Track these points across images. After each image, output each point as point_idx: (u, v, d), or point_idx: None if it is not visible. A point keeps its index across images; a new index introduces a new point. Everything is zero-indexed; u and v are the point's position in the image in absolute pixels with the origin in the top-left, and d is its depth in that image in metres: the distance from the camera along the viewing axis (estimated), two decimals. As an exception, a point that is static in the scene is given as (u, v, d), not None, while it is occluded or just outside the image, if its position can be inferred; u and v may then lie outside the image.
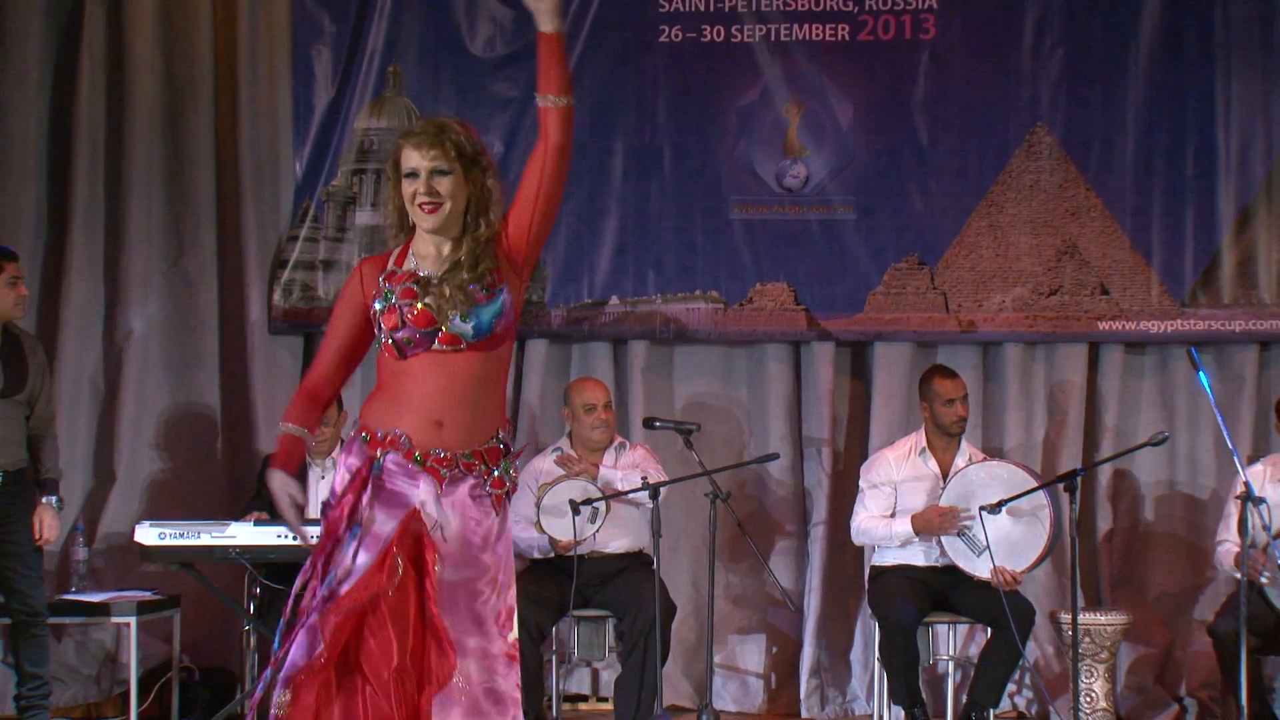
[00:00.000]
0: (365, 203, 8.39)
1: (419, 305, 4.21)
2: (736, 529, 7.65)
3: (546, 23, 4.23)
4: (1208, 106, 8.17)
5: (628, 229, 8.33)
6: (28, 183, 8.26)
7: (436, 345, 4.22)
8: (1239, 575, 7.13)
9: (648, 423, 7.79)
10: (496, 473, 4.32)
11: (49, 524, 7.06)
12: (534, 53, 8.17)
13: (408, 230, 4.36)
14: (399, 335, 4.21)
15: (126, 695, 7.52)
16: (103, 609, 7.47)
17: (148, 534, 7.00)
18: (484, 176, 4.27)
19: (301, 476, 7.47)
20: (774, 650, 8.39)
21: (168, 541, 7.01)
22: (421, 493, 4.25)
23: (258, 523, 7.15)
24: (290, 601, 4.24)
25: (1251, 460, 7.55)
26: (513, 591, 4.38)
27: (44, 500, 7.11)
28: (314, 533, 6.87)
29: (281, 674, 4.15)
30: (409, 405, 4.27)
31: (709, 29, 8.30)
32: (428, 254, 4.30)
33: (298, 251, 8.35)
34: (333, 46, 8.36)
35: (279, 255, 8.38)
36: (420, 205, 4.23)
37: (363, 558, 4.21)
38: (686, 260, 8.33)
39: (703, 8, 8.29)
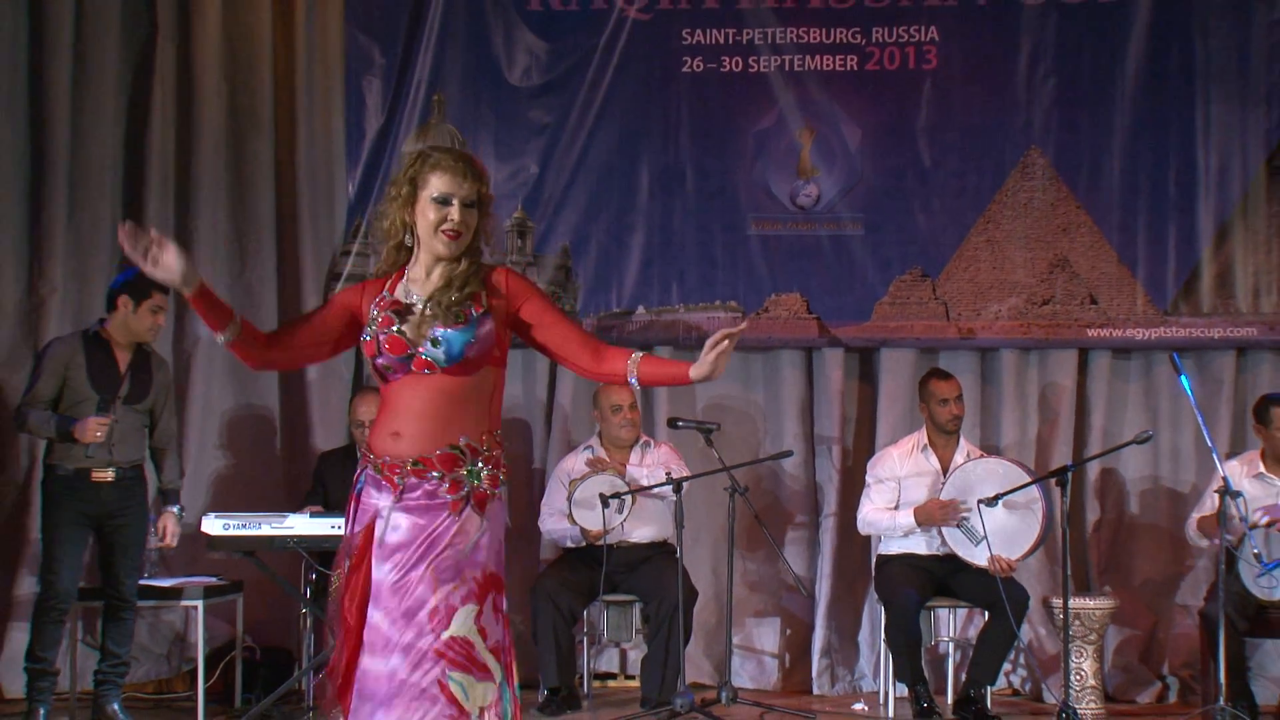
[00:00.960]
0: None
1: (393, 332, 4.08)
2: (753, 520, 7.71)
3: (695, 373, 4.06)
4: (1188, 130, 8.14)
5: (653, 244, 8.32)
6: (105, 203, 8.26)
7: (413, 369, 4.10)
8: (1204, 543, 7.32)
9: (671, 422, 7.78)
10: (453, 477, 4.13)
11: (172, 530, 7.16)
12: (565, 82, 8.29)
13: (404, 252, 4.22)
14: (379, 362, 4.12)
15: (194, 672, 7.54)
16: (173, 593, 7.47)
17: (213, 525, 7.01)
18: (486, 216, 4.18)
19: (352, 471, 7.11)
20: (788, 632, 8.38)
21: (231, 532, 7.01)
22: (382, 501, 4.13)
23: (314, 515, 7.19)
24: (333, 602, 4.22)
25: (1229, 457, 7.54)
26: (462, 592, 4.11)
27: (168, 508, 7.19)
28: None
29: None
30: (382, 423, 4.18)
31: (728, 60, 8.30)
32: (419, 278, 4.18)
33: (350, 265, 8.34)
34: (382, 77, 8.37)
35: (333, 268, 8.39)
36: (445, 232, 4.09)
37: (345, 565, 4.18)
38: (707, 272, 8.31)
39: (722, 40, 8.29)
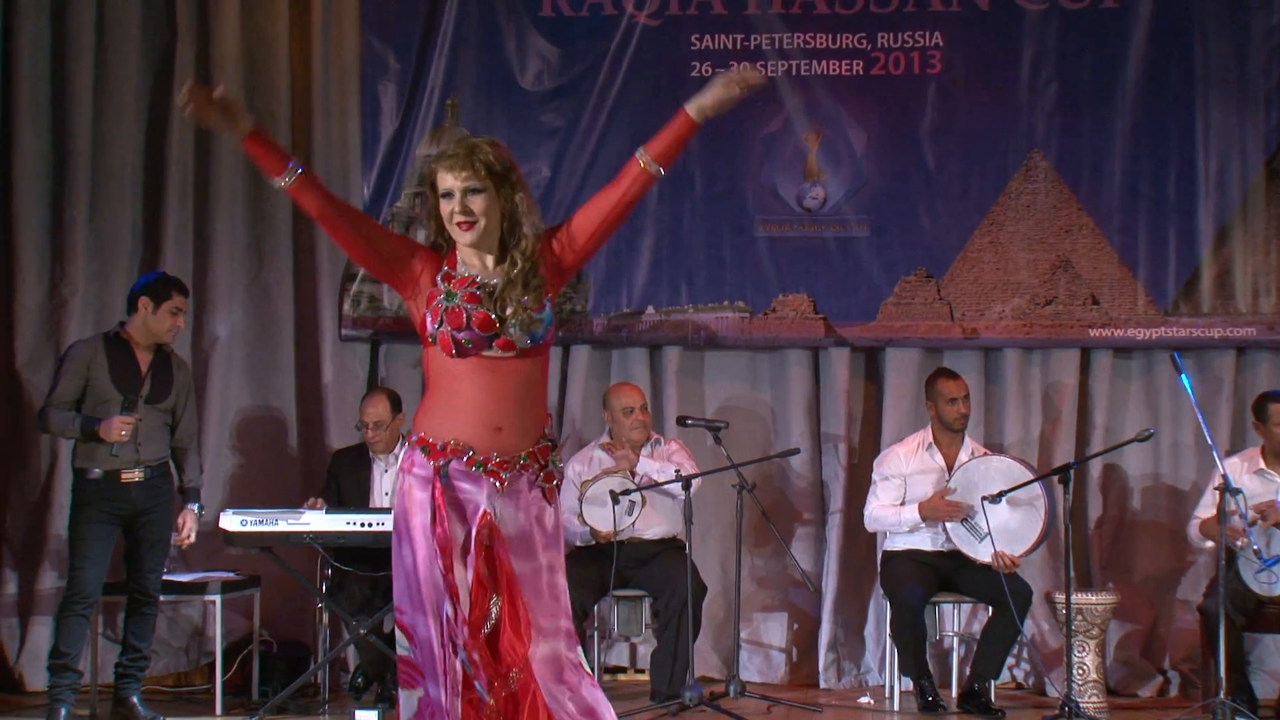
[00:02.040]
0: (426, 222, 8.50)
1: (481, 309, 4.09)
2: (761, 517, 7.73)
3: (697, 114, 4.16)
4: (1188, 134, 8.13)
5: (663, 245, 8.32)
6: (126, 206, 8.30)
7: (491, 350, 4.12)
8: (1208, 544, 7.27)
9: (681, 421, 7.85)
10: (548, 468, 4.24)
11: (190, 526, 7.15)
12: (576, 87, 8.22)
13: (447, 243, 4.23)
14: (460, 335, 4.08)
15: (212, 665, 7.57)
16: (191, 588, 7.53)
17: (231, 521, 7.06)
18: (514, 192, 4.17)
19: (365, 469, 7.70)
20: (795, 627, 8.39)
21: (248, 528, 7.06)
22: (482, 494, 4.16)
23: (329, 511, 7.22)
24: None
25: (1229, 454, 7.53)
26: (562, 577, 4.30)
27: (188, 506, 7.20)
28: (376, 520, 6.98)
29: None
30: (465, 413, 4.16)
31: (736, 65, 8.23)
32: (473, 264, 4.19)
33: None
34: (397, 82, 8.36)
35: (348, 270, 8.39)
36: (457, 224, 4.13)
37: (432, 565, 4.15)
38: (716, 273, 8.31)
39: (730, 46, 8.30)
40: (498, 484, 4.16)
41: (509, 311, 4.11)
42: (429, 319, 4.15)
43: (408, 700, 4.26)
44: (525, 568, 4.18)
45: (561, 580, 4.26)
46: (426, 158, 8.38)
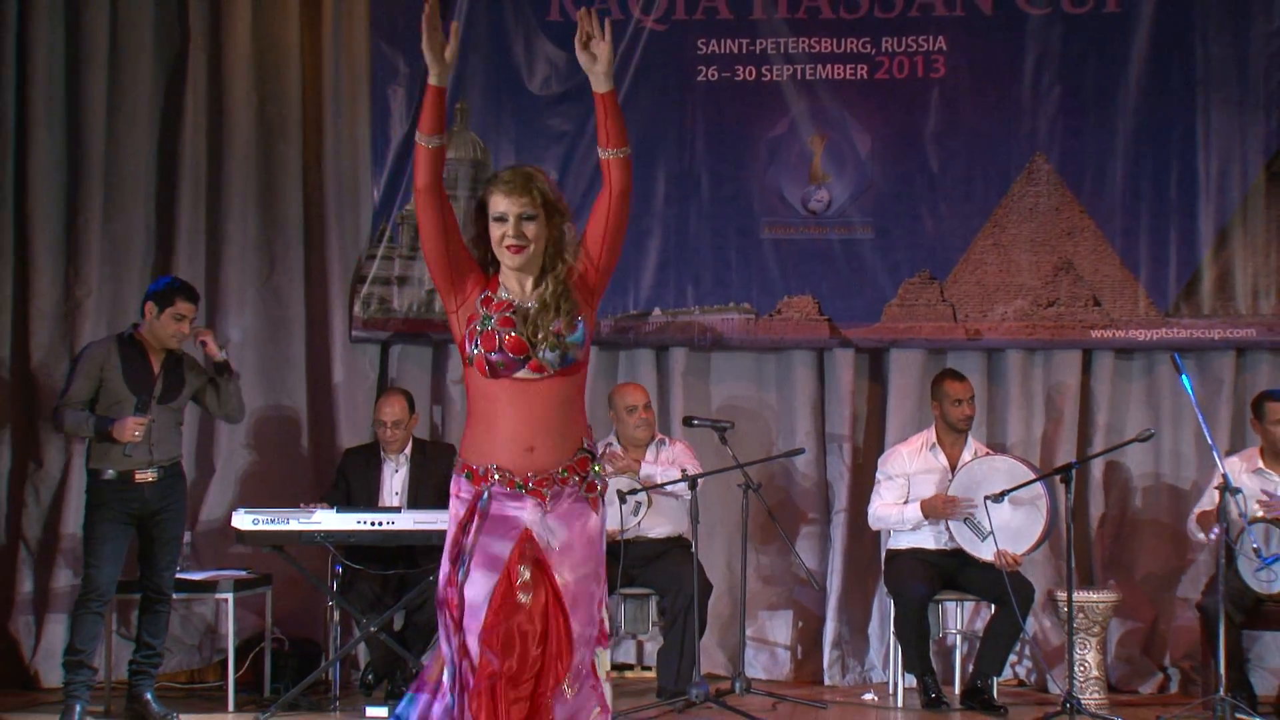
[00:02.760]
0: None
1: (513, 334, 4.15)
2: (766, 516, 7.78)
3: (601, 84, 4.21)
4: (1189, 137, 8.14)
5: (669, 247, 8.33)
6: (139, 208, 8.33)
7: (524, 372, 4.18)
8: (1201, 536, 7.30)
9: (687, 421, 7.81)
10: (589, 478, 4.29)
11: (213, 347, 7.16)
12: (586, 91, 7.99)
13: (491, 265, 4.29)
14: (493, 357, 4.15)
15: (225, 662, 7.57)
16: (204, 586, 7.54)
17: (243, 520, 7.08)
18: (562, 221, 4.23)
19: (376, 469, 7.69)
20: (800, 624, 8.39)
21: (260, 526, 7.08)
22: (528, 513, 4.22)
23: (340, 510, 7.21)
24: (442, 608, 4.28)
25: (1229, 454, 7.55)
26: (604, 575, 4.36)
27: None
28: (386, 519, 7.02)
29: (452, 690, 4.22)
30: (501, 436, 4.23)
31: (742, 69, 8.31)
32: (514, 289, 4.23)
33: (375, 268, 8.37)
34: (407, 86, 8.36)
35: (359, 272, 8.40)
36: (508, 247, 4.17)
37: (477, 577, 4.20)
38: (722, 275, 8.31)
39: (736, 50, 8.31)
40: (541, 502, 4.22)
41: (539, 336, 4.15)
42: (467, 341, 4.21)
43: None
44: (570, 578, 4.23)
45: (599, 589, 4.30)
46: None
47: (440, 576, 4.28)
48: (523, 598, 4.19)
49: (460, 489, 4.26)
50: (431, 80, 4.23)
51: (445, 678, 4.29)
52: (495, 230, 4.18)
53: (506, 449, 4.23)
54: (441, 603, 4.28)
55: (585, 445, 4.31)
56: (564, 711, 4.20)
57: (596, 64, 4.20)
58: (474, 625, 4.20)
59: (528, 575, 4.20)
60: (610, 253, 4.30)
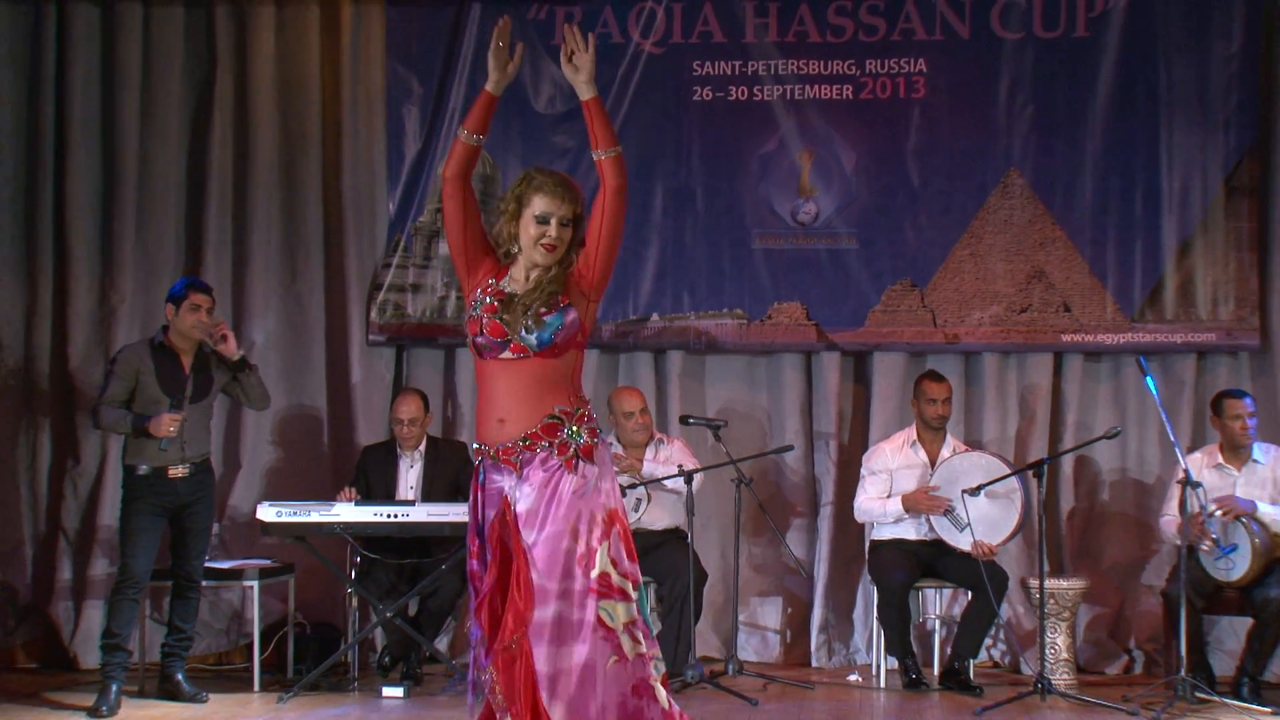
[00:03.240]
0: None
1: (495, 319, 4.28)
2: (758, 509, 7.78)
3: (586, 91, 4.34)
4: (1153, 154, 8.12)
5: (666, 256, 8.31)
6: (169, 221, 8.37)
7: (508, 354, 4.29)
8: (1179, 543, 7.17)
9: (683, 420, 7.86)
10: (559, 439, 4.31)
11: (231, 344, 7.12)
12: None
13: (506, 258, 4.40)
14: (479, 340, 4.30)
15: (250, 645, 7.59)
16: (231, 574, 7.57)
17: (267, 512, 7.13)
18: (581, 231, 4.37)
19: (393, 465, 7.68)
20: (789, 610, 8.40)
21: (283, 518, 7.12)
22: (506, 481, 4.33)
23: (358, 503, 7.27)
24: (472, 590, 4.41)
25: (1190, 450, 7.57)
26: (597, 533, 4.32)
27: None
28: (401, 511, 7.08)
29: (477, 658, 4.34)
30: (485, 412, 4.37)
31: (735, 89, 8.30)
32: (519, 279, 4.36)
33: (391, 277, 8.37)
34: (420, 105, 8.38)
35: (375, 280, 8.40)
36: (544, 245, 4.30)
37: (487, 549, 4.36)
38: (716, 283, 8.30)
39: (729, 71, 8.29)
40: (513, 470, 4.31)
41: (519, 320, 4.26)
42: (467, 326, 4.36)
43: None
44: (537, 537, 4.27)
45: (577, 543, 4.28)
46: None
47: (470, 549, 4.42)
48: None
49: (475, 464, 4.43)
50: (489, 87, 4.38)
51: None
52: (534, 228, 4.29)
53: (487, 424, 4.35)
54: (471, 575, 4.43)
55: (555, 411, 4.33)
56: (550, 661, 4.25)
57: (580, 74, 4.35)
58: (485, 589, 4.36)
59: (502, 538, 4.32)
60: (608, 251, 4.37)
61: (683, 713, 4.44)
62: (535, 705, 4.24)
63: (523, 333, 4.28)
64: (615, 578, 4.33)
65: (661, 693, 4.37)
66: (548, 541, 4.28)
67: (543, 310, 4.29)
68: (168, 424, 6.88)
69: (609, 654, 4.28)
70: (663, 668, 4.43)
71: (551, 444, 4.30)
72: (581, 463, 4.32)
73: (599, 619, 4.27)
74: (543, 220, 4.31)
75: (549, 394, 4.34)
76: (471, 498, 4.44)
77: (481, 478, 4.39)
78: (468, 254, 4.40)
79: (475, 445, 4.42)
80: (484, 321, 4.30)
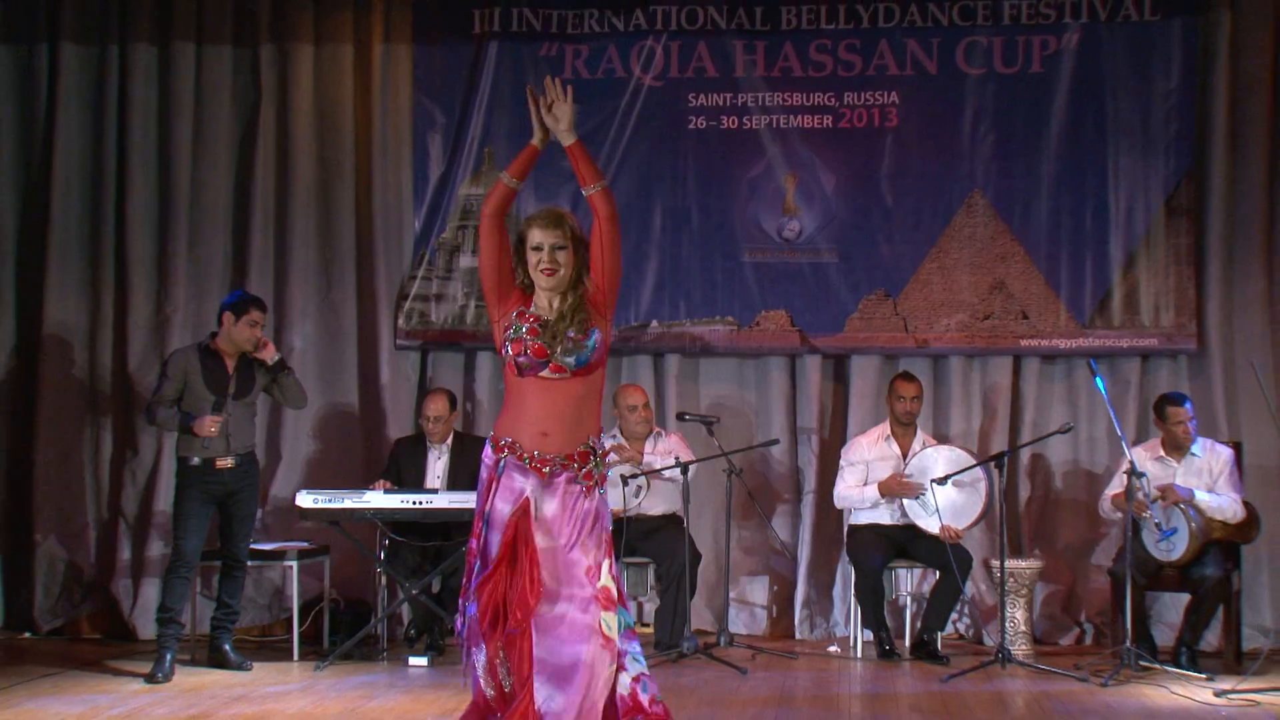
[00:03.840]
0: (467, 250, 8.38)
1: (538, 342, 4.41)
2: (747, 497, 7.91)
3: (567, 138, 4.43)
4: (1102, 177, 8.11)
5: (664, 269, 8.32)
6: (218, 238, 8.45)
7: (546, 372, 4.42)
8: (1114, 516, 7.28)
9: (680, 416, 7.91)
10: (587, 468, 4.46)
11: (270, 350, 7.14)
12: (592, 137, 8.17)
13: (529, 288, 4.52)
14: (520, 360, 4.40)
15: (290, 619, 7.65)
16: (273, 555, 7.60)
17: (305, 499, 7.20)
18: (586, 253, 4.48)
19: (422, 456, 7.63)
20: (775, 588, 8.40)
21: (320, 505, 7.18)
22: (529, 484, 4.43)
23: (387, 491, 7.32)
24: (468, 568, 4.50)
25: (1135, 444, 7.59)
26: (602, 551, 4.46)
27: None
28: (425, 499, 7.11)
29: (470, 634, 4.43)
30: (524, 420, 4.45)
31: (726, 119, 8.33)
32: (543, 306, 4.48)
33: (416, 287, 8.41)
34: (443, 133, 8.40)
35: (402, 290, 8.43)
36: (542, 270, 4.43)
37: (493, 539, 4.44)
38: (709, 293, 8.31)
39: (721, 103, 8.31)
40: (540, 479, 4.43)
41: (558, 343, 4.40)
42: (503, 346, 4.49)
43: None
44: (548, 545, 4.40)
45: (587, 558, 4.42)
46: (467, 196, 8.39)
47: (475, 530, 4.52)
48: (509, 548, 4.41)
49: (487, 456, 4.51)
50: (534, 141, 4.48)
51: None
52: (533, 257, 4.44)
53: (526, 431, 4.45)
54: (469, 552, 4.52)
55: (590, 442, 4.48)
56: (548, 651, 4.34)
57: (560, 123, 4.42)
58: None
59: (513, 534, 4.41)
60: (611, 273, 4.49)
61: (654, 698, 4.54)
62: (528, 687, 4.33)
63: (560, 354, 4.40)
64: (614, 592, 4.48)
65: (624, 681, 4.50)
66: (563, 550, 4.42)
67: (579, 335, 4.42)
68: (209, 425, 6.92)
69: (608, 660, 4.41)
70: (638, 666, 4.54)
71: (581, 469, 4.45)
72: (596, 490, 4.50)
73: (599, 628, 4.39)
74: (537, 249, 4.45)
75: (586, 417, 4.50)
76: (484, 485, 4.51)
77: (500, 471, 4.47)
78: (500, 285, 4.52)
79: (503, 441, 4.47)
80: (528, 343, 4.41)
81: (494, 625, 4.39)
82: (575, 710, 4.32)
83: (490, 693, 4.44)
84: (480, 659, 4.43)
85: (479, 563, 4.49)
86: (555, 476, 4.45)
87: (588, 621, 4.38)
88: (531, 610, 4.33)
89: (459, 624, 4.54)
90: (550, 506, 4.44)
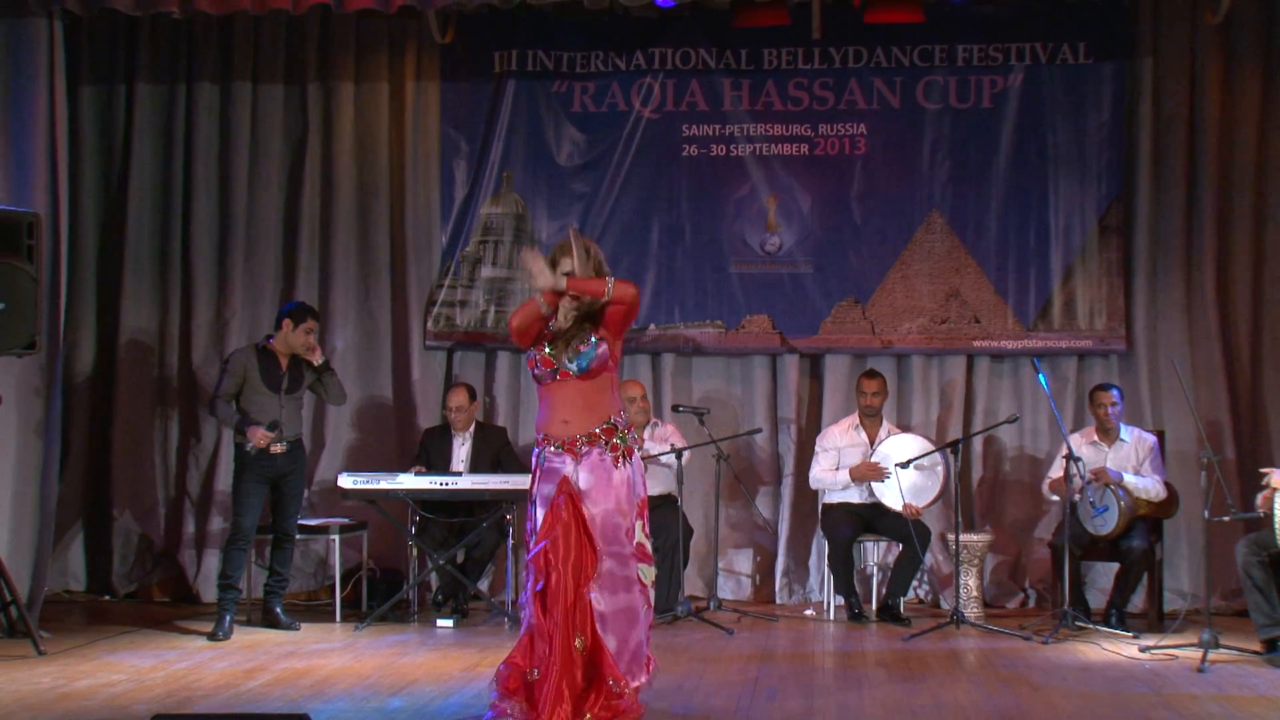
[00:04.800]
0: (488, 262, 8.39)
1: (546, 354, 4.80)
2: (733, 479, 7.98)
3: (559, 283, 4.76)
4: (1043, 200, 8.12)
5: (661, 279, 8.33)
6: (271, 251, 8.48)
7: (558, 378, 4.79)
8: (1055, 497, 7.33)
9: (674, 408, 7.97)
10: (614, 441, 4.83)
11: (317, 354, 7.19)
12: (598, 163, 8.28)
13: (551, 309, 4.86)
14: (536, 372, 4.83)
15: (333, 586, 7.72)
16: (318, 529, 7.69)
17: (346, 480, 7.27)
18: (603, 278, 4.88)
19: (448, 443, 7.65)
20: (758, 559, 8.41)
21: (359, 486, 7.24)
22: (567, 465, 4.79)
23: (418, 474, 7.37)
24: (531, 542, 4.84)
25: (1072, 432, 7.60)
26: (635, 512, 4.82)
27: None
28: (452, 481, 7.15)
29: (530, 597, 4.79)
30: (550, 414, 4.87)
31: (715, 147, 8.33)
32: (561, 320, 4.86)
33: (443, 295, 8.41)
34: (467, 159, 8.40)
35: (431, 297, 8.43)
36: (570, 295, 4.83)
37: (539, 514, 4.80)
38: (700, 300, 8.32)
39: (711, 133, 8.32)
40: (574, 457, 4.81)
41: (563, 353, 4.76)
42: (527, 364, 4.89)
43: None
44: (594, 510, 4.76)
45: (625, 520, 4.78)
46: (488, 215, 8.39)
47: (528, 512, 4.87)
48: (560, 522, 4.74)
49: (535, 451, 4.88)
50: (555, 287, 4.81)
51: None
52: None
53: (553, 422, 4.87)
54: (525, 532, 4.89)
55: (611, 419, 4.84)
56: (606, 604, 4.69)
57: (543, 276, 4.75)
58: (540, 544, 4.75)
59: (564, 508, 4.73)
60: (620, 322, 4.90)
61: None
62: (594, 634, 4.70)
63: (565, 361, 4.79)
64: (649, 547, 4.84)
65: None
66: (603, 515, 4.77)
67: (581, 345, 4.79)
68: (260, 439, 6.95)
69: (643, 604, 4.80)
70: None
71: (609, 442, 4.79)
72: (625, 460, 4.81)
73: (638, 578, 4.79)
74: (569, 274, 4.82)
75: (598, 404, 4.84)
76: (533, 476, 4.89)
77: (541, 460, 4.82)
78: (528, 344, 4.94)
79: (540, 436, 4.88)
80: (538, 359, 4.85)
81: (559, 588, 4.69)
82: (628, 650, 4.68)
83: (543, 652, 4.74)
84: (529, 616, 4.75)
85: (532, 537, 4.82)
86: (586, 453, 4.78)
87: (629, 574, 4.75)
88: (589, 575, 4.70)
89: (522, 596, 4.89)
90: (586, 479, 4.77)
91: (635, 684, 4.77)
